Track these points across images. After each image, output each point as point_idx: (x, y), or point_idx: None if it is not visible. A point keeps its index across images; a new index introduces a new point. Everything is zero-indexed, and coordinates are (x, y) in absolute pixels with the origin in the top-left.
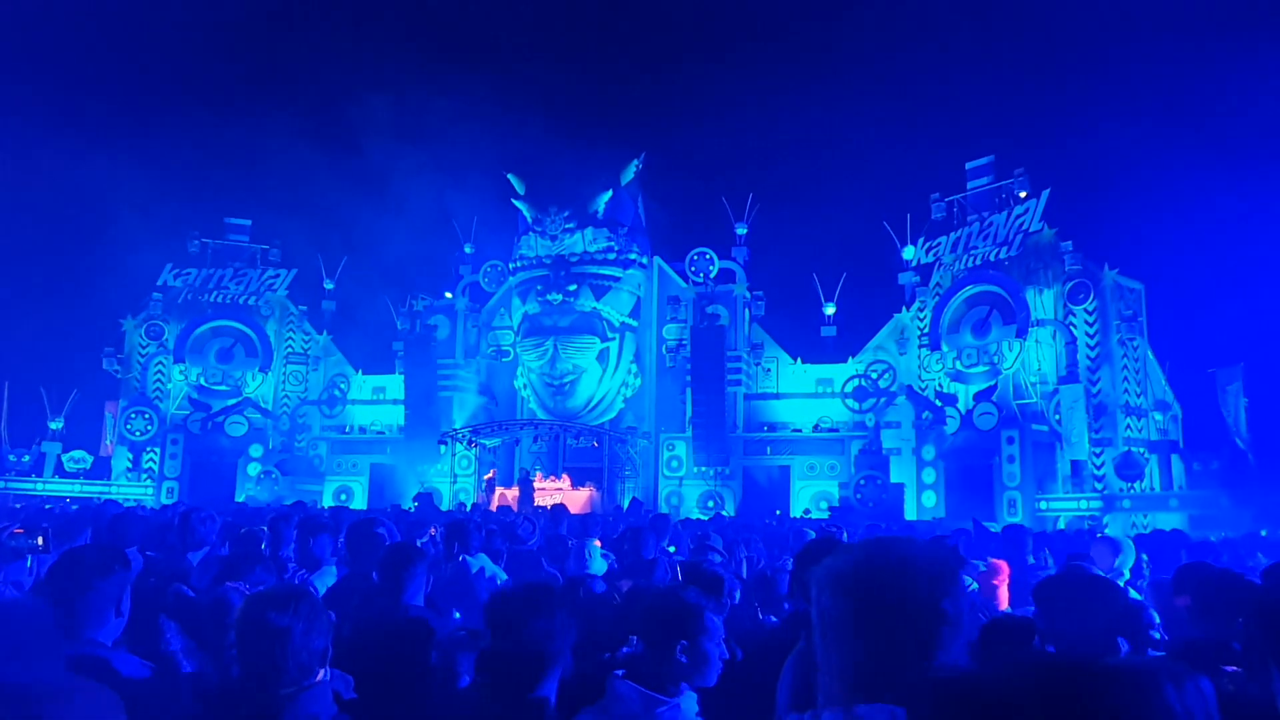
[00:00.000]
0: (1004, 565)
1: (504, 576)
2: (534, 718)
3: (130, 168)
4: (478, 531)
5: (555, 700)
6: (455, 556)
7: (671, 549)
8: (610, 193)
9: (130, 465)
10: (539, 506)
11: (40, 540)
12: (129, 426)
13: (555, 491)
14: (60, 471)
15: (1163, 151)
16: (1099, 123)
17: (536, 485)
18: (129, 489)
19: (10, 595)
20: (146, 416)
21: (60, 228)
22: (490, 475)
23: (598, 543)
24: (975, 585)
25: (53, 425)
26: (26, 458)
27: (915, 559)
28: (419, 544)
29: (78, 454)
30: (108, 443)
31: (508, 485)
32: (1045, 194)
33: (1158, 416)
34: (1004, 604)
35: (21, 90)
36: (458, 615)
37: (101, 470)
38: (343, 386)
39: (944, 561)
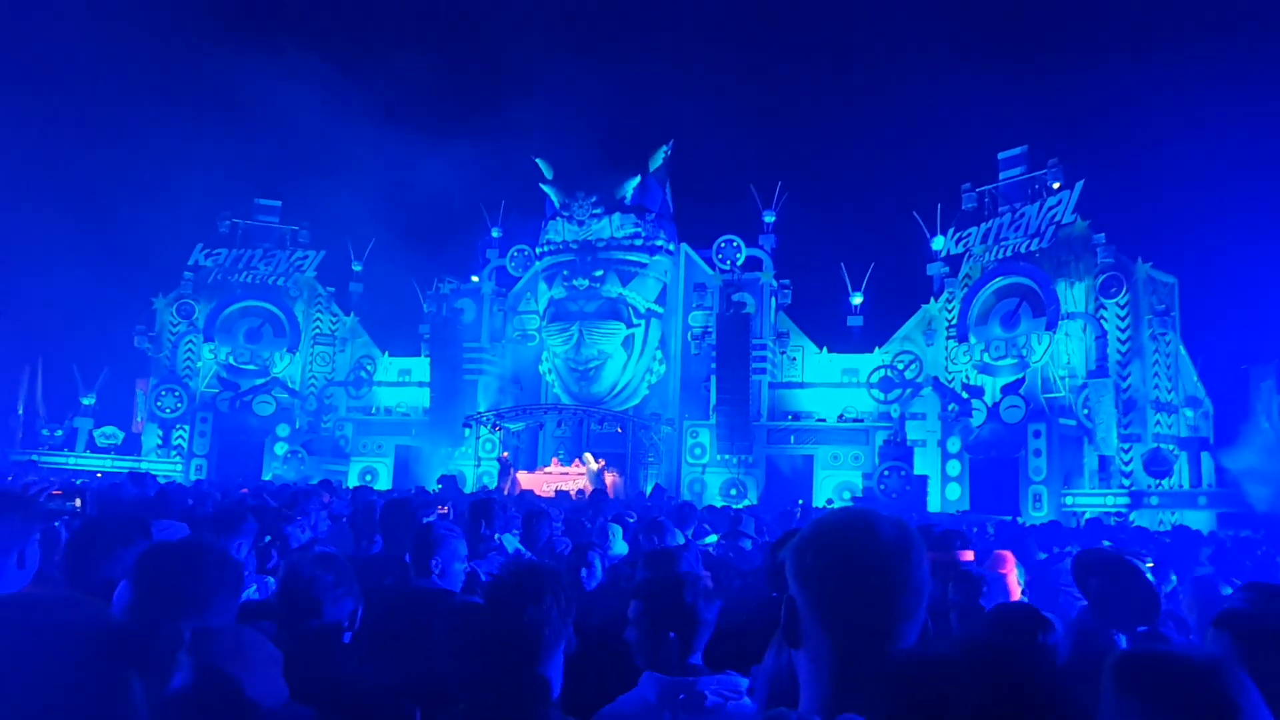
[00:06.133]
0: (1010, 556)
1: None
2: (538, 695)
3: (163, 148)
4: (503, 511)
5: (562, 681)
6: (487, 536)
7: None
8: (638, 179)
9: (160, 442)
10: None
11: (78, 502)
12: (159, 404)
13: (578, 476)
14: (92, 446)
15: (1199, 144)
16: (1134, 114)
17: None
18: (159, 465)
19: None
20: (176, 394)
21: (94, 207)
22: (505, 456)
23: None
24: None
25: (85, 401)
26: (59, 432)
27: (882, 518)
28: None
29: (109, 430)
30: (139, 419)
31: (531, 469)
32: (1079, 185)
33: (1188, 413)
34: (1015, 594)
35: (57, 71)
36: None
37: (132, 446)
38: (369, 368)
39: (906, 524)
